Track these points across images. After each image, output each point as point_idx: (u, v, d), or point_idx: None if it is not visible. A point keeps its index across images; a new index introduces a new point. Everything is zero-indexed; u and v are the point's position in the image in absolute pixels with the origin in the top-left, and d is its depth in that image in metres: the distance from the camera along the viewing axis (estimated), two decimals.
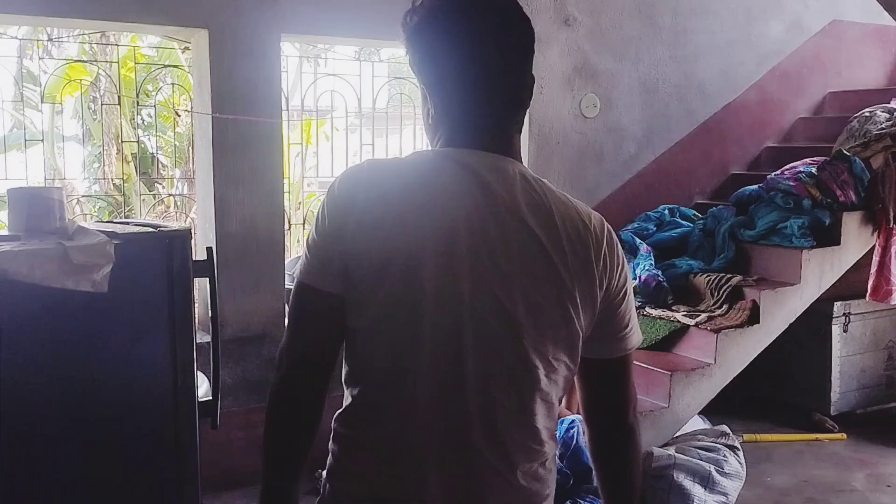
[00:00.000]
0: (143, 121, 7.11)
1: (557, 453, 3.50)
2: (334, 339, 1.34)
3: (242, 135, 3.98)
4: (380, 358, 1.32)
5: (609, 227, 1.43)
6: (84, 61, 5.54)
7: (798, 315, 4.56)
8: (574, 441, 3.56)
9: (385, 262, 1.27)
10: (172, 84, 5.39)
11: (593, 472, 3.50)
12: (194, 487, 1.99)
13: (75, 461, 1.83)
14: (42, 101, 4.51)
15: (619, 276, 1.40)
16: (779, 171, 4.93)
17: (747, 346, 4.40)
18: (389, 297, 1.28)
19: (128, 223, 2.20)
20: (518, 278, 1.30)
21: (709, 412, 4.64)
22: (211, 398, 2.01)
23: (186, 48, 6.61)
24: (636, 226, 5.06)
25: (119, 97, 4.50)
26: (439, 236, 1.28)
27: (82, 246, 1.80)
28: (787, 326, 4.53)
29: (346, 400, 1.38)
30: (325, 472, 1.43)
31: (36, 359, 1.78)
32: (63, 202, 2.06)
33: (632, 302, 1.46)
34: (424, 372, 1.30)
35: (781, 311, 4.48)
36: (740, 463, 4.02)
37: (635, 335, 1.46)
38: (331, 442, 1.41)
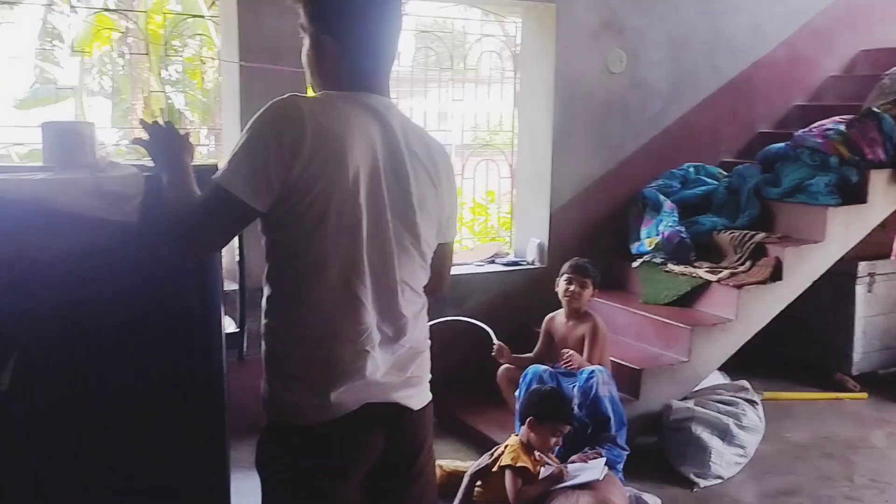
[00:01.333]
0: (171, 76, 7.16)
1: (577, 402, 3.57)
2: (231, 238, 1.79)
3: (269, 85, 3.99)
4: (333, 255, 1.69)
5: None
6: (111, 10, 5.56)
7: (821, 273, 4.55)
8: (593, 391, 3.59)
9: (329, 185, 1.64)
10: (199, 34, 5.41)
11: (611, 422, 3.58)
12: (222, 420, 2.05)
13: (103, 394, 1.88)
14: (72, 52, 4.55)
15: (452, 182, 1.94)
16: (806, 129, 4.89)
17: (769, 303, 4.41)
18: (338, 214, 1.66)
19: None
20: (413, 187, 1.77)
21: (729, 370, 4.67)
22: (238, 330, 2.06)
23: (213, 3, 6.64)
24: (661, 183, 5.05)
25: (147, 45, 4.52)
26: (365, 166, 1.69)
27: (114, 176, 1.85)
28: (809, 284, 4.52)
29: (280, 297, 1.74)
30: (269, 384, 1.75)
31: (68, 289, 1.82)
32: (94, 137, 2.11)
33: (457, 205, 1.99)
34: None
35: (804, 268, 4.47)
36: (759, 417, 4.05)
37: (454, 230, 2.00)
38: (273, 344, 1.75)
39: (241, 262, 2.06)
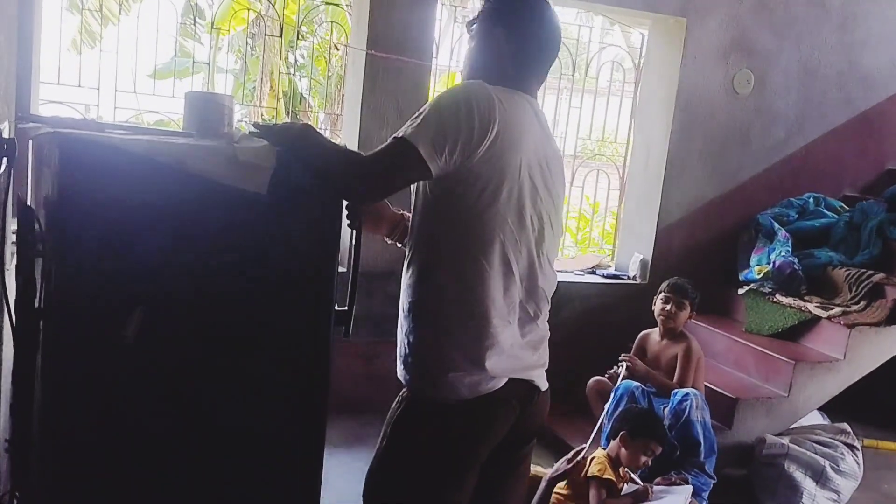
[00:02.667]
0: (296, 61, 7.38)
1: (668, 424, 3.51)
2: (392, 192, 1.85)
3: (392, 75, 4.09)
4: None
5: None
6: None
7: None
8: (686, 414, 3.52)
9: (504, 169, 1.78)
10: (332, 22, 5.56)
11: (700, 448, 3.50)
12: (326, 391, 2.09)
13: (219, 353, 1.95)
14: (212, 28, 4.76)
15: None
16: None
17: (882, 346, 4.22)
18: (508, 196, 1.80)
19: None
20: (556, 183, 1.95)
21: (830, 411, 4.48)
22: (347, 308, 2.12)
23: None
24: (777, 211, 4.89)
25: (281, 28, 4.68)
26: (529, 157, 1.84)
27: (249, 147, 1.93)
28: None
29: (440, 272, 1.85)
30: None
31: (196, 251, 1.90)
32: (233, 110, 2.20)
33: None
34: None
35: None
36: (857, 463, 3.88)
37: None
38: (427, 319, 1.88)
39: (357, 246, 2.12)
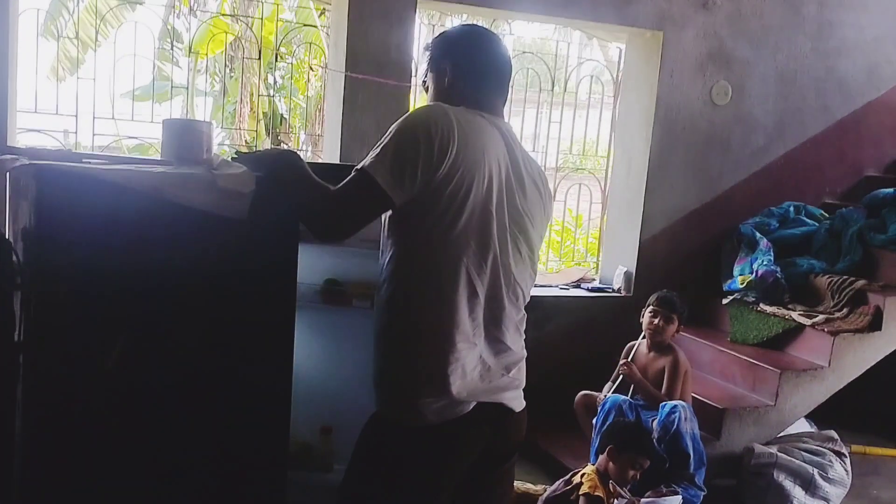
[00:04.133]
0: (276, 82, 7.38)
1: (657, 436, 3.51)
2: (362, 226, 1.83)
3: (372, 96, 4.09)
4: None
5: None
6: (230, 15, 5.80)
7: None
8: (675, 426, 3.52)
9: (467, 190, 1.78)
10: (309, 44, 5.57)
11: (690, 459, 3.50)
12: (287, 417, 2.10)
13: (196, 377, 1.96)
14: (189, 52, 4.76)
15: (551, 204, 2.12)
16: None
17: (865, 353, 4.24)
18: (470, 217, 1.79)
19: None
20: (528, 201, 1.94)
21: (817, 418, 4.50)
22: None
23: (322, 13, 6.82)
24: (758, 220, 4.92)
25: (259, 51, 4.68)
26: (495, 176, 1.84)
27: (227, 174, 1.92)
28: None
29: (406, 294, 1.83)
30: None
31: (176, 279, 1.90)
32: (211, 136, 2.20)
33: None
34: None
35: None
36: (846, 470, 3.89)
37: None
38: (394, 341, 1.86)
39: None
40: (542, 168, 2.08)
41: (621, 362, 3.89)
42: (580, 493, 3.13)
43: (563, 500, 3.19)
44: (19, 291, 1.86)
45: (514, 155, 1.93)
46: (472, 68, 1.96)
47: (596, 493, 3.10)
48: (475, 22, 6.08)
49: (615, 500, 3.18)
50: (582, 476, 3.22)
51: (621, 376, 3.87)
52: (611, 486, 3.19)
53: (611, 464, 3.21)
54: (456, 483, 1.90)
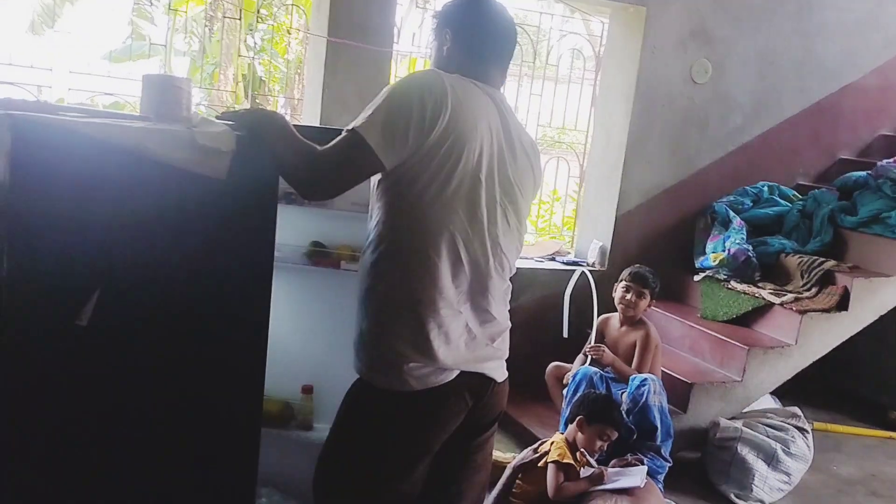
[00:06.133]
0: (256, 44, 7.28)
1: (626, 408, 3.56)
2: (349, 187, 1.83)
3: (353, 61, 4.06)
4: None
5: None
6: None
7: (889, 308, 4.44)
8: (643, 399, 3.57)
9: (457, 157, 1.78)
10: (291, 5, 5.49)
11: (657, 432, 3.56)
12: (261, 372, 2.11)
13: (169, 336, 1.96)
14: (168, 9, 4.68)
15: (540, 176, 2.14)
16: (890, 159, 4.77)
17: (832, 332, 4.32)
18: (459, 185, 1.79)
19: None
20: (519, 171, 1.95)
21: (781, 395, 4.59)
22: None
23: None
24: (732, 199, 4.97)
25: (240, 11, 4.62)
26: (486, 144, 1.84)
27: (207, 132, 1.91)
28: (876, 318, 4.41)
29: (391, 260, 1.84)
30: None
31: (152, 235, 1.88)
32: (191, 93, 2.17)
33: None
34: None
35: (873, 301, 4.37)
36: (808, 446, 3.97)
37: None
38: (379, 307, 1.86)
39: None
40: (534, 141, 2.08)
41: (592, 346, 3.91)
42: (549, 460, 3.18)
43: (531, 468, 3.24)
44: None
45: (507, 125, 1.93)
46: (471, 37, 1.96)
47: (564, 461, 3.15)
48: None
49: (583, 469, 3.24)
50: (551, 444, 3.27)
51: (590, 357, 3.90)
52: (579, 455, 3.24)
53: (580, 434, 3.26)
54: (437, 450, 1.92)
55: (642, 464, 3.41)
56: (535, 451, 3.32)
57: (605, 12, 4.99)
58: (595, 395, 3.50)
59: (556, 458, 3.16)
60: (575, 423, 3.29)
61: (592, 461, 3.29)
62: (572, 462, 3.17)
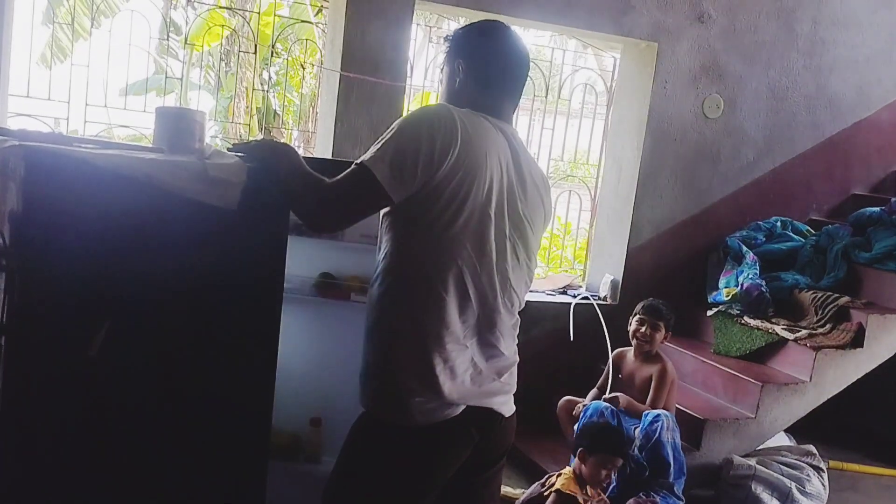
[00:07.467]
0: (270, 78, 7.37)
1: (638, 445, 3.51)
2: (357, 220, 1.84)
3: (366, 94, 4.09)
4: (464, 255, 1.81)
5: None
6: (227, 8, 5.79)
7: None
8: (656, 435, 3.53)
9: (466, 192, 1.77)
10: (305, 40, 5.57)
11: (670, 469, 3.50)
12: (269, 403, 2.11)
13: (178, 367, 1.96)
14: (185, 43, 4.74)
15: (550, 211, 2.12)
16: None
17: (847, 369, 4.27)
18: (468, 220, 1.78)
19: None
20: (530, 206, 1.93)
21: (796, 433, 4.52)
22: None
23: (319, 11, 6.81)
24: (745, 234, 4.95)
25: (255, 46, 4.67)
26: (496, 179, 1.82)
27: (219, 164, 1.92)
28: (892, 355, 4.36)
29: (399, 294, 1.83)
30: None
31: (163, 267, 1.89)
32: (204, 126, 2.19)
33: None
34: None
35: (888, 337, 4.32)
36: (823, 485, 3.91)
37: None
38: (386, 340, 1.85)
39: None
40: (545, 176, 2.07)
41: (608, 396, 3.86)
42: (553, 489, 3.14)
43: (539, 502, 3.20)
44: (4, 273, 1.85)
45: (517, 159, 1.91)
46: (485, 68, 1.94)
47: (567, 491, 3.10)
48: None
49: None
50: (557, 477, 3.24)
51: (606, 392, 3.87)
52: (589, 490, 3.20)
53: (583, 465, 3.22)
54: (443, 485, 1.90)
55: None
56: (543, 484, 3.28)
57: (617, 48, 5.02)
58: (594, 423, 3.44)
59: (559, 488, 3.12)
60: (577, 455, 3.25)
61: (599, 494, 3.24)
62: (576, 494, 3.12)
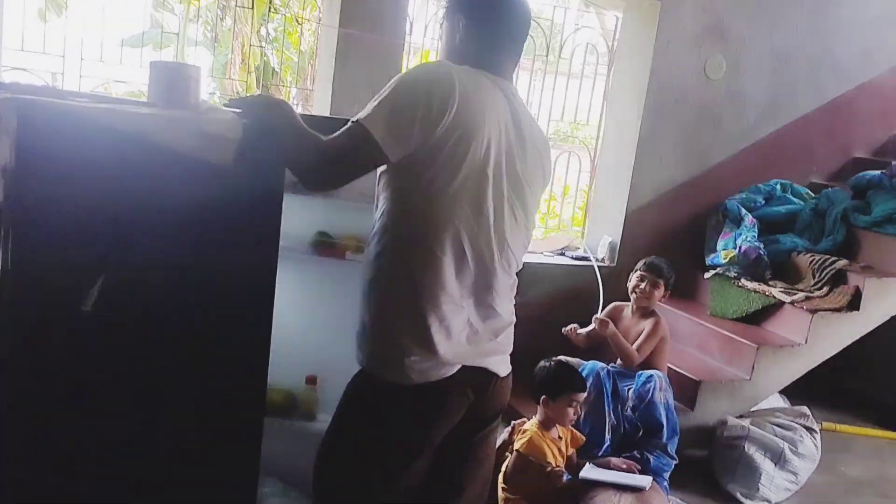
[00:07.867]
0: (268, 34, 7.28)
1: (631, 405, 3.53)
2: (353, 178, 1.80)
3: (365, 52, 4.04)
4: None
5: None
6: None
7: None
8: (649, 395, 3.56)
9: (463, 151, 1.74)
10: None
11: (663, 429, 3.52)
12: (265, 365, 2.11)
13: (173, 321, 1.95)
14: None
15: (549, 171, 2.11)
16: None
17: (842, 332, 4.28)
18: (465, 179, 1.76)
19: None
20: (528, 165, 1.91)
21: (790, 394, 4.56)
22: None
23: None
24: (744, 196, 4.94)
25: (253, 1, 4.61)
26: (494, 138, 1.80)
27: (215, 119, 1.90)
28: (887, 319, 4.37)
29: (395, 254, 1.82)
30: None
31: (158, 222, 1.88)
32: (199, 81, 2.16)
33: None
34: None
35: (884, 301, 4.33)
36: (816, 446, 3.95)
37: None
38: (382, 300, 1.85)
39: None
40: (545, 136, 2.04)
41: (600, 317, 3.88)
42: (515, 448, 3.16)
43: (504, 449, 3.22)
44: None
45: (517, 119, 1.89)
46: (484, 28, 1.91)
47: (532, 456, 3.10)
48: None
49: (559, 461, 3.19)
50: (522, 433, 3.24)
51: (593, 326, 3.87)
52: (559, 430, 3.23)
53: (548, 411, 3.22)
54: (437, 443, 1.91)
55: (648, 463, 3.40)
56: (510, 432, 3.31)
57: (620, 6, 4.95)
58: (548, 367, 3.36)
59: (519, 449, 3.13)
60: (540, 403, 3.25)
61: (565, 460, 3.26)
62: (543, 455, 3.12)
